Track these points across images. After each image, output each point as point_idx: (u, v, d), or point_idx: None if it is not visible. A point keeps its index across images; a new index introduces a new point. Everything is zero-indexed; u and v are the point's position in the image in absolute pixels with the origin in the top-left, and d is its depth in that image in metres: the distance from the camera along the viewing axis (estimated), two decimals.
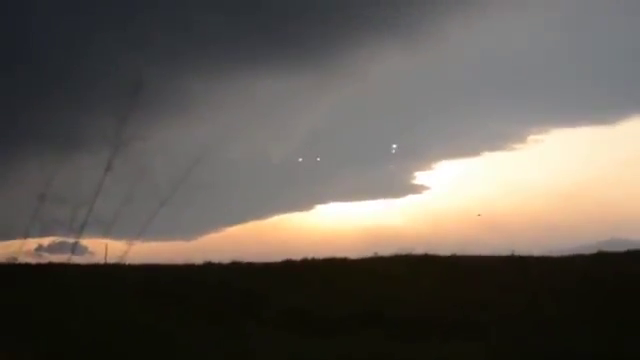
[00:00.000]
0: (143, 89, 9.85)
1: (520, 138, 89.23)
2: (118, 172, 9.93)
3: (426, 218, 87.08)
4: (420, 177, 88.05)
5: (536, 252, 36.91)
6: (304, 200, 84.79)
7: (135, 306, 24.32)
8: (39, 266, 32.53)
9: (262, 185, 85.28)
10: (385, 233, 74.71)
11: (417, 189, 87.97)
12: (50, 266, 31.53)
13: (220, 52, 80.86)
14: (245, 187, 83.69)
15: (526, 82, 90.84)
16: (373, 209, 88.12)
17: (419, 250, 36.80)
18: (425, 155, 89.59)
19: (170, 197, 10.09)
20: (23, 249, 11.55)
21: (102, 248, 37.52)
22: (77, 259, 12.19)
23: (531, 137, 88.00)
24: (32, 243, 12.97)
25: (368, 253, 38.10)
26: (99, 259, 37.69)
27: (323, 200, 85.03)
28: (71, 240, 10.55)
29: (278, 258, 37.75)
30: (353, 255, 37.72)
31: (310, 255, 37.66)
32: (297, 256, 37.68)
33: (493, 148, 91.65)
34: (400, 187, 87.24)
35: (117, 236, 11.38)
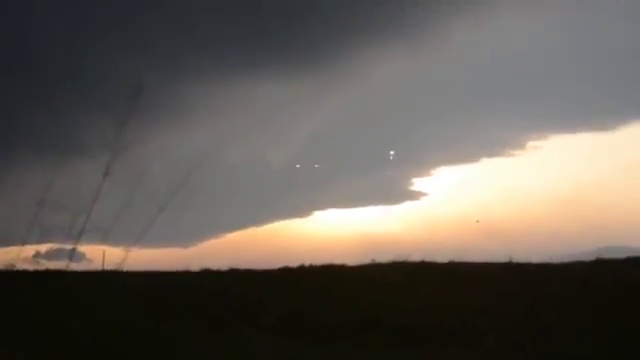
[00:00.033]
0: (143, 93, 9.82)
1: (519, 144, 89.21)
2: (117, 177, 9.90)
3: (424, 224, 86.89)
4: (418, 183, 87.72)
5: (535, 259, 36.89)
6: (302, 206, 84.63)
7: (134, 313, 24.29)
8: (37, 273, 32.45)
9: (260, 191, 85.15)
10: (383, 240, 74.54)
11: (415, 195, 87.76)
12: (48, 273, 31.46)
13: (221, 56, 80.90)
14: (243, 193, 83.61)
15: (525, 88, 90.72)
16: (371, 215, 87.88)
17: (417, 257, 36.84)
18: (423, 161, 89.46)
19: (169, 203, 10.05)
20: (21, 256, 11.50)
21: (100, 255, 37.45)
22: (75, 266, 12.12)
23: (530, 143, 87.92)
24: (30, 250, 12.92)
25: (366, 260, 38.10)
26: (97, 266, 37.65)
27: (321, 206, 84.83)
28: (69, 246, 10.51)
29: (276, 264, 37.79)
30: (351, 262, 37.73)
31: (308, 262, 37.68)
32: (295, 262, 37.69)
33: (492, 154, 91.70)
34: (398, 193, 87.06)
35: (115, 242, 11.35)
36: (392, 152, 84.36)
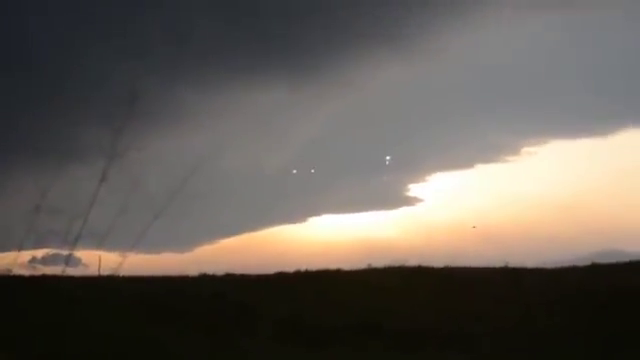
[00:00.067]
0: (139, 99, 9.87)
1: (514, 150, 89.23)
2: (113, 183, 9.94)
3: (420, 230, 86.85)
4: (414, 189, 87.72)
5: (530, 264, 36.95)
6: (298, 212, 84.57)
7: (130, 318, 24.26)
8: (33, 278, 32.43)
9: (256, 197, 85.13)
10: (379, 245, 74.53)
11: (411, 201, 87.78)
12: (44, 278, 31.44)
13: (218, 61, 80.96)
14: (239, 198, 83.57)
15: (520, 94, 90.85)
16: (366, 221, 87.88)
17: (413, 262, 36.83)
18: (419, 167, 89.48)
19: (164, 208, 10.09)
20: (17, 261, 11.54)
21: (96, 260, 37.39)
22: (71, 271, 12.18)
23: (525, 149, 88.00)
24: (26, 255, 12.95)
25: (362, 265, 38.09)
26: (93, 271, 37.59)
27: (316, 212, 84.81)
28: (65, 252, 10.55)
29: (272, 270, 37.77)
30: (346, 267, 37.71)
31: (304, 267, 37.68)
32: (291, 268, 37.68)
33: (487, 160, 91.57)
34: (394, 199, 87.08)
35: (111, 248, 11.39)
36: (388, 157, 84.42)
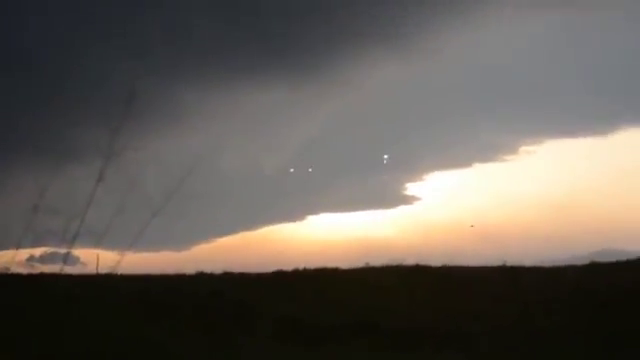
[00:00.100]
0: (136, 98, 9.86)
1: (512, 149, 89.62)
2: (110, 182, 9.94)
3: (417, 229, 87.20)
4: (411, 188, 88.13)
5: (528, 263, 36.96)
6: (296, 211, 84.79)
7: (127, 316, 24.27)
8: (31, 276, 32.42)
9: (254, 195, 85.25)
10: (376, 244, 74.83)
11: (408, 200, 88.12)
12: (42, 276, 31.45)
13: (217, 61, 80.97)
14: (237, 197, 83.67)
15: (517, 94, 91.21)
16: (364, 220, 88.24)
17: (410, 261, 36.82)
18: (416, 166, 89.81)
19: (162, 207, 10.09)
20: (15, 259, 11.54)
21: (94, 258, 37.54)
22: (69, 269, 12.17)
23: (523, 148, 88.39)
24: (24, 253, 12.96)
25: (359, 264, 38.13)
26: (91, 269, 37.69)
27: (314, 211, 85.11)
28: (63, 250, 10.54)
29: (270, 268, 37.78)
30: (344, 265, 37.73)
31: (301, 265, 37.70)
32: (289, 266, 37.70)
33: (485, 159, 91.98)
34: (391, 198, 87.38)
35: (109, 246, 11.39)
36: (386, 157, 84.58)
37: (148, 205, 10.06)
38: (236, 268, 38.43)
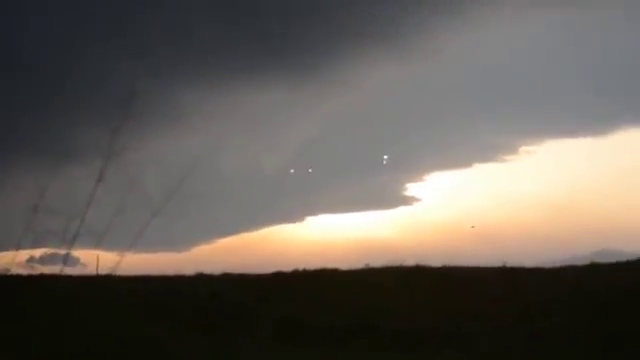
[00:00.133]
0: (136, 98, 9.87)
1: (512, 149, 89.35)
2: (110, 183, 9.94)
3: (417, 229, 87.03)
4: (411, 188, 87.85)
5: (528, 263, 36.95)
6: (295, 211, 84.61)
7: (127, 317, 24.27)
8: (31, 277, 32.41)
9: (254, 196, 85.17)
10: (376, 244, 74.74)
11: (408, 200, 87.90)
12: (42, 277, 31.43)
13: (217, 62, 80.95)
14: (237, 198, 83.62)
15: (517, 94, 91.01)
16: (364, 220, 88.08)
17: (410, 261, 36.83)
18: (416, 166, 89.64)
19: (162, 208, 10.09)
20: (15, 260, 11.55)
21: (94, 259, 37.50)
22: (69, 270, 12.17)
23: (523, 148, 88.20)
24: (24, 254, 12.96)
25: (359, 264, 38.09)
26: (91, 270, 37.65)
27: (314, 212, 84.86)
28: (63, 251, 10.55)
29: (270, 269, 37.78)
30: (344, 266, 37.72)
31: (301, 266, 37.70)
32: (288, 267, 37.69)
33: (485, 159, 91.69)
34: (391, 198, 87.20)
35: (109, 247, 11.39)
36: (385, 157, 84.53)
37: (148, 205, 10.07)
38: (236, 269, 38.47)
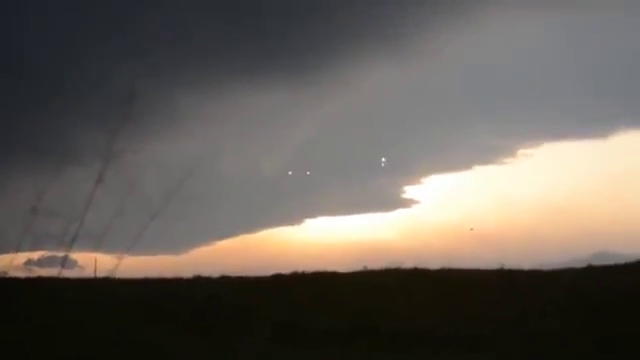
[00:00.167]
0: (135, 100, 9.85)
1: (510, 152, 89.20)
2: (109, 184, 9.92)
3: (416, 232, 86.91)
4: (410, 191, 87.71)
5: (526, 266, 36.96)
6: (294, 214, 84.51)
7: (125, 320, 24.24)
8: (28, 280, 32.36)
9: (252, 199, 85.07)
10: (375, 247, 74.56)
11: (407, 203, 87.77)
12: (40, 280, 31.37)
13: (217, 62, 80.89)
14: (235, 200, 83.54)
15: (516, 96, 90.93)
16: (362, 223, 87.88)
17: (409, 264, 36.85)
18: (414, 169, 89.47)
19: (161, 210, 10.07)
20: (13, 263, 11.52)
21: (92, 262, 37.39)
22: (67, 273, 12.13)
23: (521, 151, 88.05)
24: (22, 257, 12.92)
25: (358, 267, 38.08)
26: (89, 273, 37.56)
27: (312, 214, 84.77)
28: (61, 254, 10.52)
29: (268, 272, 37.75)
30: (343, 269, 37.69)
31: (300, 269, 37.64)
32: (287, 270, 37.65)
33: (483, 162, 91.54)
34: (390, 201, 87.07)
35: (107, 250, 11.36)
36: (383, 159, 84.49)
37: (147, 207, 10.05)
38: (234, 271, 38.43)
